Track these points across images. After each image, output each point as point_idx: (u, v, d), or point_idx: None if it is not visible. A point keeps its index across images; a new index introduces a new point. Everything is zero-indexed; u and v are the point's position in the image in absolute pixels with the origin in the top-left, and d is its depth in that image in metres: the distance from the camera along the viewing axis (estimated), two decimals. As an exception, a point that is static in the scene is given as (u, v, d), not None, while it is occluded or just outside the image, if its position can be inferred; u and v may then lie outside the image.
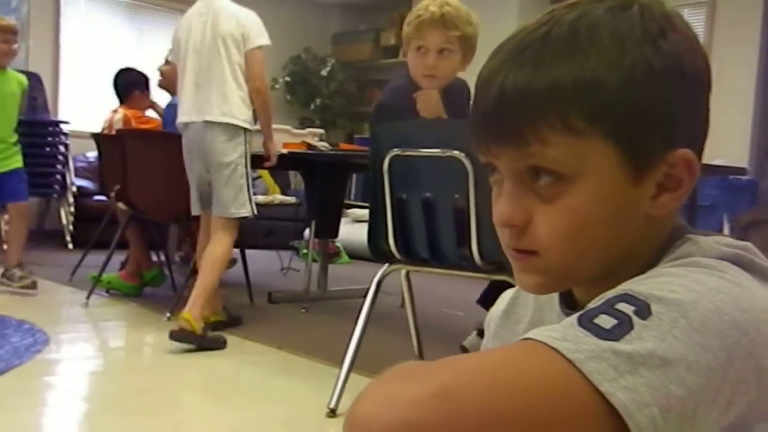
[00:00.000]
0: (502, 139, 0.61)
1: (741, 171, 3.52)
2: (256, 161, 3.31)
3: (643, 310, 0.51)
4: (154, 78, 4.49)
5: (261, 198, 5.92)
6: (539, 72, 0.59)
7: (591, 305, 0.54)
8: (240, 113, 3.08)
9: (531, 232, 0.62)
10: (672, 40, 0.60)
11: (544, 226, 0.61)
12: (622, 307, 0.52)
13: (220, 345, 2.98)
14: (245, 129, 3.11)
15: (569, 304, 0.70)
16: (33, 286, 3.85)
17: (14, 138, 4.05)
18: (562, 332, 0.51)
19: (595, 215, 0.60)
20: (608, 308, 0.52)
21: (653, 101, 0.59)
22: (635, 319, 0.50)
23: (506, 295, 0.81)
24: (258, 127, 3.31)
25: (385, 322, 3.20)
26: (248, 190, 3.13)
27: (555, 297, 0.73)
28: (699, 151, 0.63)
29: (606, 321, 0.51)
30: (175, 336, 2.85)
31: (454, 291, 3.87)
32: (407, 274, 2.51)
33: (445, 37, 2.25)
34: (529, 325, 0.77)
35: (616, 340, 0.49)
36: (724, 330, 0.50)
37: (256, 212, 3.18)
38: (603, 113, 0.58)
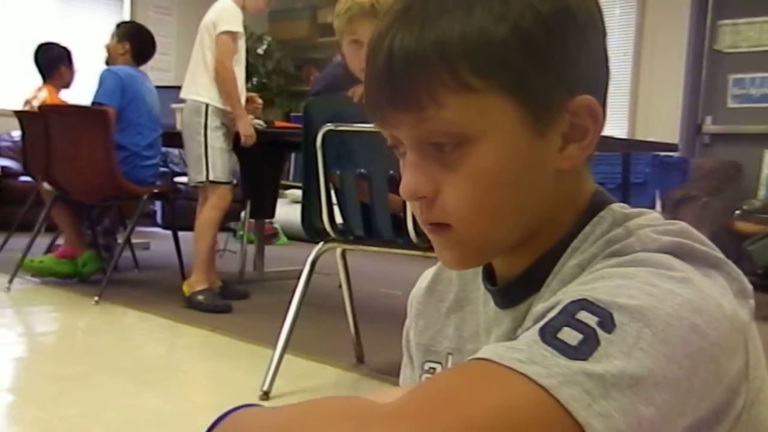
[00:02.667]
0: (396, 106, 0.58)
1: (673, 147, 3.58)
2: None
3: (607, 321, 0.48)
4: (79, 52, 4.34)
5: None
6: (426, 29, 0.56)
7: (545, 310, 0.51)
8: (204, 91, 3.39)
9: (440, 203, 0.59)
10: None
11: (452, 195, 0.59)
12: (584, 317, 0.48)
13: (221, 308, 3.27)
14: (207, 104, 3.38)
15: (491, 279, 0.67)
16: None
17: None
18: (527, 353, 0.47)
19: (502, 175, 0.58)
20: (570, 319, 0.48)
21: (545, 48, 0.57)
22: (600, 332, 0.47)
23: (428, 273, 0.78)
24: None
25: (322, 302, 3.16)
26: (206, 159, 3.38)
27: (479, 273, 0.70)
28: (602, 98, 0.61)
29: (571, 336, 0.47)
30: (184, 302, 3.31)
31: (391, 270, 3.85)
32: (343, 252, 2.46)
33: None
34: (454, 304, 0.74)
35: (585, 359, 0.46)
36: (686, 336, 0.48)
37: (211, 178, 3.38)
38: (495, 66, 0.56)
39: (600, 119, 0.60)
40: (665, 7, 5.44)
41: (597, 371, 0.45)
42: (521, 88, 0.56)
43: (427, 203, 0.60)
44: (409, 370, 0.81)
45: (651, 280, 0.51)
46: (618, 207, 0.62)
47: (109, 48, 3.83)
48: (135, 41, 3.80)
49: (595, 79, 0.62)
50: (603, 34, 0.62)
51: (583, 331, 0.47)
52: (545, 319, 0.50)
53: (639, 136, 5.09)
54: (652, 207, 4.51)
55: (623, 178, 3.31)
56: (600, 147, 0.62)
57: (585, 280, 0.53)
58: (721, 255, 0.56)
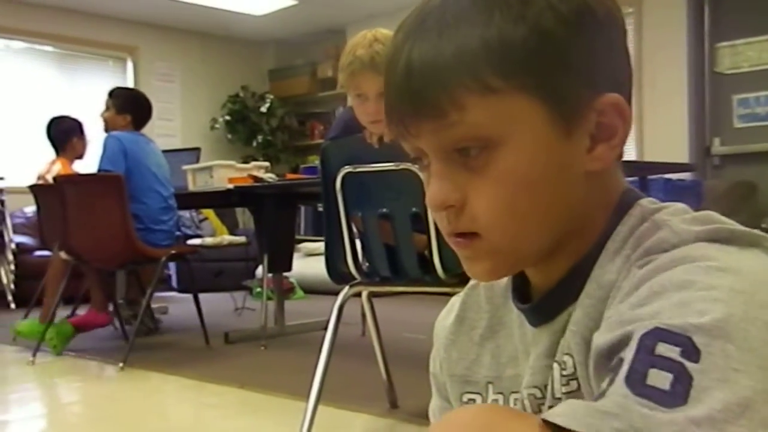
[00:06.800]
0: (418, 114, 0.57)
1: (688, 167, 3.56)
2: (205, 198, 3.25)
3: (689, 348, 0.44)
4: (89, 124, 4.41)
5: (209, 240, 5.78)
6: (444, 39, 0.55)
7: (611, 344, 0.48)
8: None
9: (468, 211, 0.58)
10: None
11: (481, 201, 0.57)
12: (665, 350, 0.45)
13: None
14: None
15: (522, 297, 0.65)
16: None
17: None
18: (625, 418, 0.43)
19: (530, 177, 0.56)
20: (652, 357, 0.45)
21: (567, 47, 0.56)
22: (688, 365, 0.44)
23: (455, 301, 0.76)
24: (201, 165, 3.35)
25: (346, 351, 3.12)
26: None
27: (509, 295, 0.68)
28: (627, 95, 0.60)
29: (660, 378, 0.44)
30: None
31: (413, 315, 3.80)
32: (369, 296, 2.44)
33: (380, 82, 2.15)
34: (487, 331, 0.72)
35: (685, 403, 0.42)
36: (765, 337, 0.45)
37: None
38: (516, 67, 0.55)
39: (628, 116, 0.59)
40: (661, 27, 5.43)
41: (702, 414, 0.42)
42: (545, 88, 0.56)
43: (455, 212, 0.58)
44: (437, 399, 0.78)
45: (707, 281, 0.48)
46: (647, 202, 0.60)
47: (106, 119, 3.85)
48: (136, 111, 3.84)
49: (619, 76, 0.61)
50: (623, 30, 0.62)
51: (671, 369, 0.44)
52: (626, 364, 0.46)
53: (651, 157, 5.05)
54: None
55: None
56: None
57: (640, 298, 0.50)
58: (756, 231, 0.54)
